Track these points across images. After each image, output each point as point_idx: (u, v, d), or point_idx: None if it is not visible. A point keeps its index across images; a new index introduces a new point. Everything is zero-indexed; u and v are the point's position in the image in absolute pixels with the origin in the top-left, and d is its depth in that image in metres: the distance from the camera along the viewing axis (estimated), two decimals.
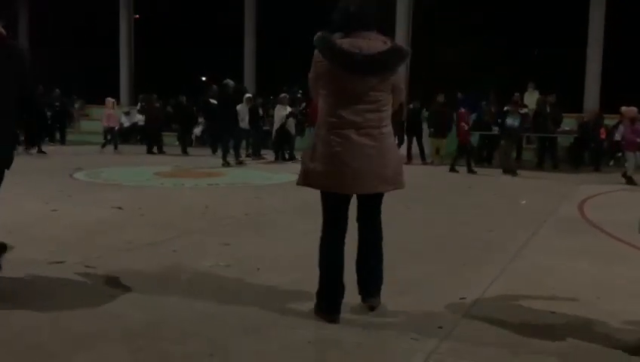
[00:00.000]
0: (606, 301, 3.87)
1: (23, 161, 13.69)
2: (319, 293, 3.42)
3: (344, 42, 3.25)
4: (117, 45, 21.85)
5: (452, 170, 12.42)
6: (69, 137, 18.81)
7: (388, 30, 15.12)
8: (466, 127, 12.54)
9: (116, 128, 16.75)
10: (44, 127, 15.61)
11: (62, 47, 22.80)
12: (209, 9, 21.95)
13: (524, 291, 4.04)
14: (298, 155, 14.15)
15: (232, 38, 20.86)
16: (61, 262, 4.49)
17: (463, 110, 13.00)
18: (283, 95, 14.70)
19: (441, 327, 3.31)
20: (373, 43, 3.27)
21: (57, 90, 18.32)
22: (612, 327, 3.41)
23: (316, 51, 3.33)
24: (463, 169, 12.48)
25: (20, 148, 14.34)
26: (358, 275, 3.54)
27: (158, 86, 18.96)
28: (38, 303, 3.59)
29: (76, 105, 21.06)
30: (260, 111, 15.97)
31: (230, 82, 13.65)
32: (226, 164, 12.93)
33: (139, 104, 18.44)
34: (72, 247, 5.00)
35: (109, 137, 16.33)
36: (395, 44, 3.35)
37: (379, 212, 3.57)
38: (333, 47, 3.24)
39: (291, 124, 14.51)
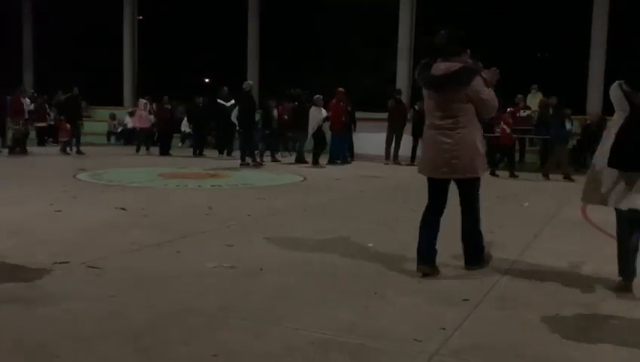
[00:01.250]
0: (610, 302, 3.88)
1: (27, 163, 13.82)
2: (417, 249, 4.44)
3: (434, 66, 4.28)
4: (120, 46, 21.88)
5: (512, 175, 11.99)
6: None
7: (391, 32, 14.88)
8: (508, 130, 12.16)
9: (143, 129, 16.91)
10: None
11: (65, 49, 22.83)
12: (212, 10, 21.97)
13: (526, 293, 4.05)
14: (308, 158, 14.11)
15: (235, 39, 20.87)
16: (65, 263, 4.51)
17: (505, 113, 12.82)
18: (317, 96, 14.00)
19: (444, 329, 3.32)
20: (452, 65, 4.20)
21: (60, 92, 18.36)
22: (616, 329, 3.42)
23: (416, 75, 4.42)
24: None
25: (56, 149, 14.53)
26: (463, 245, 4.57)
27: (160, 87, 18.98)
28: (43, 304, 3.61)
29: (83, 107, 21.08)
30: (275, 113, 15.51)
31: (251, 83, 13.61)
32: (246, 164, 12.93)
33: (141, 105, 18.42)
34: (76, 248, 5.02)
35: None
36: (466, 65, 4.23)
37: (471, 196, 4.46)
38: (422, 71, 4.32)
39: (327, 128, 14.06)
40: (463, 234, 4.52)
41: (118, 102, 21.82)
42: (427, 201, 4.51)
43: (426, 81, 4.31)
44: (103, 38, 22.53)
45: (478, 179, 4.43)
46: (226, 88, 15.43)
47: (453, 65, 4.19)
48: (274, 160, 14.59)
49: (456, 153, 4.23)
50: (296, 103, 14.76)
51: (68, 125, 15.52)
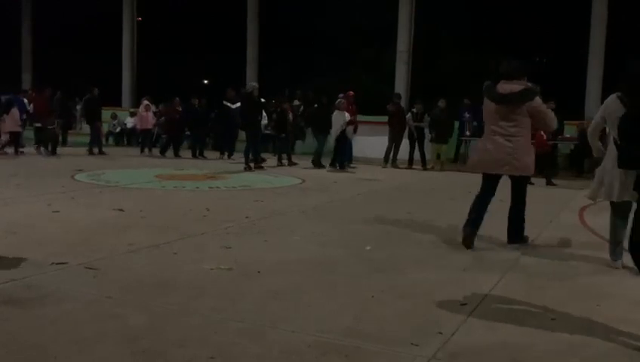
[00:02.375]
0: (606, 308, 3.88)
1: (25, 163, 13.77)
2: (467, 217, 5.62)
3: (498, 87, 5.42)
4: (119, 47, 21.87)
5: (550, 183, 11.50)
6: (70, 138, 18.82)
7: (391, 34, 14.79)
8: (545, 136, 11.43)
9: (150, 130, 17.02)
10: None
11: (64, 49, 22.83)
12: (211, 11, 21.99)
13: (524, 297, 4.05)
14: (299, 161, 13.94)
15: (234, 41, 20.88)
16: (63, 264, 4.50)
17: None
18: (339, 100, 13.66)
19: (441, 333, 3.32)
20: (515, 87, 5.35)
21: (59, 93, 18.34)
22: (612, 334, 3.42)
23: (483, 92, 5.53)
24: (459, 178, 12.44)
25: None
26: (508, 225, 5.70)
27: (159, 88, 18.99)
28: (40, 304, 3.61)
29: (78, 108, 21.08)
30: (290, 117, 14.97)
31: (255, 85, 13.43)
32: (248, 168, 12.78)
33: (141, 107, 18.41)
34: (73, 249, 5.02)
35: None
36: (527, 86, 5.38)
37: (521, 189, 5.65)
38: (490, 90, 5.48)
39: (350, 131, 13.72)
40: (510, 217, 5.66)
41: (117, 102, 21.80)
42: (480, 190, 5.70)
43: (497, 98, 5.42)
44: (102, 39, 22.52)
45: (529, 177, 5.67)
46: (232, 90, 15.40)
47: (516, 87, 5.35)
48: (283, 163, 14.09)
49: (517, 155, 5.37)
50: (317, 106, 14.43)
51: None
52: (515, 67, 5.53)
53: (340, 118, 13.47)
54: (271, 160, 14.24)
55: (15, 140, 14.96)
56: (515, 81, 5.42)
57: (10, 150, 14.85)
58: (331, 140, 13.71)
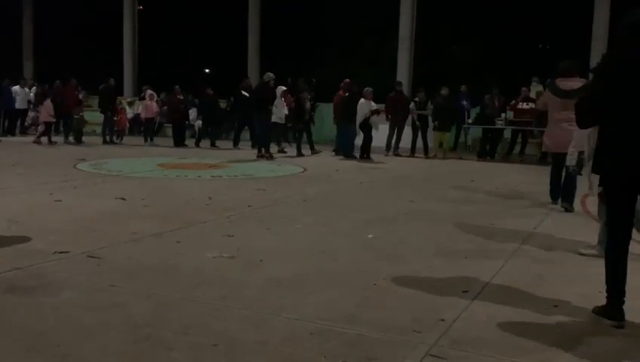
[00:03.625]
0: None
1: (27, 152, 13.77)
2: (549, 191, 7.33)
3: (560, 83, 6.90)
4: (120, 36, 21.81)
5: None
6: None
7: (394, 24, 14.77)
8: None
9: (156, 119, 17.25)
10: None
11: (65, 38, 22.77)
12: (213, 3, 21.91)
13: (526, 284, 4.06)
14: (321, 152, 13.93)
15: (236, 30, 20.80)
16: (65, 252, 4.51)
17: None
18: (367, 89, 13.56)
19: (442, 320, 3.33)
20: (574, 83, 6.75)
21: (58, 82, 18.33)
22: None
23: (547, 88, 7.23)
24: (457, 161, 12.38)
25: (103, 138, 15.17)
26: (561, 191, 7.16)
27: (160, 77, 18.93)
28: (43, 293, 3.62)
29: (80, 96, 21.05)
30: (308, 105, 14.65)
31: (272, 75, 13.38)
32: (262, 156, 12.77)
33: (144, 95, 18.39)
34: (76, 238, 5.03)
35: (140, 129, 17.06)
36: (584, 83, 6.63)
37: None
38: (554, 86, 6.96)
39: (375, 121, 13.55)
40: (564, 183, 7.06)
41: (118, 91, 21.78)
42: (552, 165, 7.33)
43: (561, 95, 6.80)
44: (103, 28, 22.46)
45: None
46: (248, 79, 15.34)
47: (576, 83, 6.73)
48: (317, 150, 14.04)
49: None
50: (348, 94, 14.26)
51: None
52: (572, 66, 6.94)
53: (365, 106, 13.36)
54: (273, 149, 14.23)
55: (48, 130, 15.43)
56: (571, 78, 6.82)
57: (44, 139, 15.25)
58: (356, 127, 13.60)
